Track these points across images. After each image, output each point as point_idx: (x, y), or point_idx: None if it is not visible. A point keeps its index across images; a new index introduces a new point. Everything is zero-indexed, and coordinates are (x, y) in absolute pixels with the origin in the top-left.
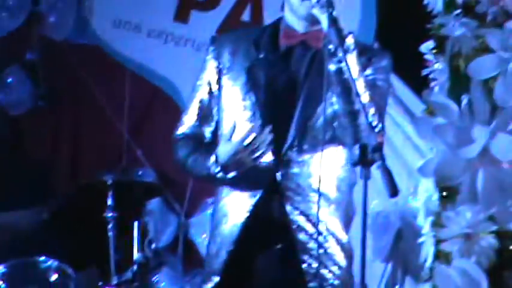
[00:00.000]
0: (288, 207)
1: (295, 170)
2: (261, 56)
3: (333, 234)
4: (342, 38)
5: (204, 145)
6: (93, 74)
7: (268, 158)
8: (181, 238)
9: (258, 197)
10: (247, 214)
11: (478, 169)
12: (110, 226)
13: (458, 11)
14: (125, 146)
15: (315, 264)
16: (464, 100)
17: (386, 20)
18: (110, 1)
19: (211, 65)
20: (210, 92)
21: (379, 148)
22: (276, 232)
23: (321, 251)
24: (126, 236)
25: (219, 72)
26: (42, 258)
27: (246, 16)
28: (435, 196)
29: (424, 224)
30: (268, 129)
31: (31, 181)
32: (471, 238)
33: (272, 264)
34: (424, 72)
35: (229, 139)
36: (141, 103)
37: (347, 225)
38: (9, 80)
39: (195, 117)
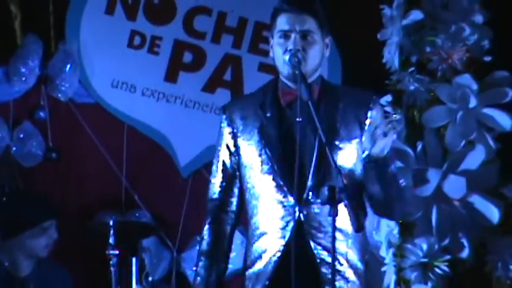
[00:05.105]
0: (312, 244)
1: (316, 210)
2: (268, 115)
3: (351, 266)
4: (310, 92)
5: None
6: (95, 129)
7: (290, 201)
8: (174, 271)
9: (287, 237)
10: (279, 253)
11: (432, 206)
12: (111, 262)
13: (413, 68)
14: (124, 192)
15: None
16: (419, 146)
17: (349, 76)
18: (109, 64)
19: (226, 130)
20: (230, 154)
21: (345, 189)
22: (304, 267)
23: (342, 282)
24: (125, 270)
25: (234, 136)
26: None
27: (227, 76)
28: (395, 230)
29: (387, 254)
30: None
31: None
32: (427, 266)
33: None
34: None
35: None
36: (138, 154)
37: (363, 256)
38: (21, 135)
39: (221, 179)
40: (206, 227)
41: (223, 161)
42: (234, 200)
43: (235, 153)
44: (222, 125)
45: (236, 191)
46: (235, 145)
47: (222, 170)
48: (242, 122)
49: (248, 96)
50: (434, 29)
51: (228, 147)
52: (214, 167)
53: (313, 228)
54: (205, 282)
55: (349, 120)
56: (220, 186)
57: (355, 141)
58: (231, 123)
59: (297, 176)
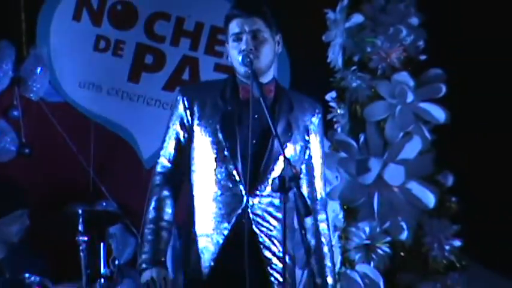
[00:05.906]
0: (256, 230)
1: (263, 200)
2: (229, 108)
3: (288, 253)
4: (262, 89)
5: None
6: (64, 126)
7: (239, 189)
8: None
9: (232, 222)
10: (223, 236)
11: (374, 192)
12: (81, 247)
13: (355, 67)
14: (91, 183)
15: (277, 275)
16: (362, 138)
17: (297, 75)
18: (76, 67)
19: (183, 112)
20: (185, 133)
21: (294, 178)
22: (248, 250)
23: (281, 266)
24: (94, 255)
25: (192, 120)
26: (27, 275)
27: (186, 76)
28: (341, 215)
29: (333, 237)
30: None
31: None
32: (370, 248)
33: (246, 276)
34: (329, 116)
35: None
36: (104, 148)
37: (293, 245)
38: None
39: (173, 156)
40: (154, 198)
41: (179, 138)
42: (179, 176)
43: (190, 135)
44: (179, 106)
45: (183, 168)
46: (191, 128)
47: (175, 148)
48: (200, 108)
49: (206, 84)
50: (374, 31)
51: (183, 127)
52: (166, 144)
53: (257, 216)
54: (154, 249)
55: (299, 123)
56: (170, 162)
57: (300, 144)
58: (189, 107)
59: (250, 167)
